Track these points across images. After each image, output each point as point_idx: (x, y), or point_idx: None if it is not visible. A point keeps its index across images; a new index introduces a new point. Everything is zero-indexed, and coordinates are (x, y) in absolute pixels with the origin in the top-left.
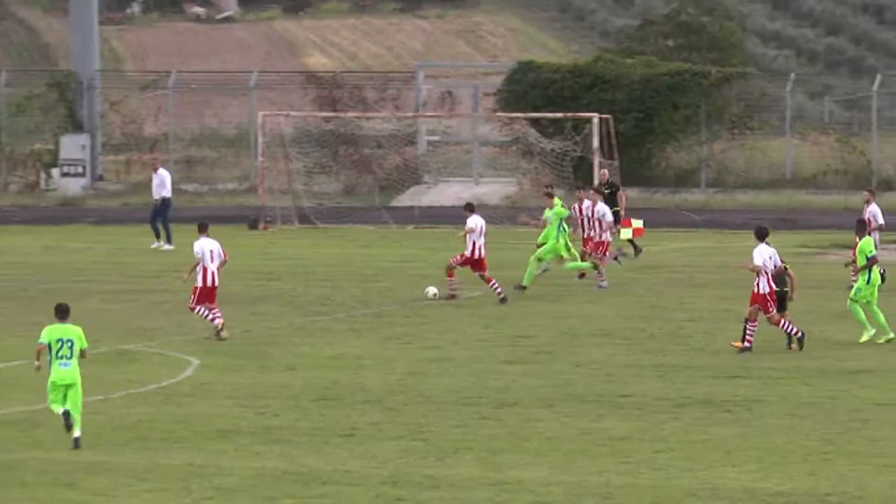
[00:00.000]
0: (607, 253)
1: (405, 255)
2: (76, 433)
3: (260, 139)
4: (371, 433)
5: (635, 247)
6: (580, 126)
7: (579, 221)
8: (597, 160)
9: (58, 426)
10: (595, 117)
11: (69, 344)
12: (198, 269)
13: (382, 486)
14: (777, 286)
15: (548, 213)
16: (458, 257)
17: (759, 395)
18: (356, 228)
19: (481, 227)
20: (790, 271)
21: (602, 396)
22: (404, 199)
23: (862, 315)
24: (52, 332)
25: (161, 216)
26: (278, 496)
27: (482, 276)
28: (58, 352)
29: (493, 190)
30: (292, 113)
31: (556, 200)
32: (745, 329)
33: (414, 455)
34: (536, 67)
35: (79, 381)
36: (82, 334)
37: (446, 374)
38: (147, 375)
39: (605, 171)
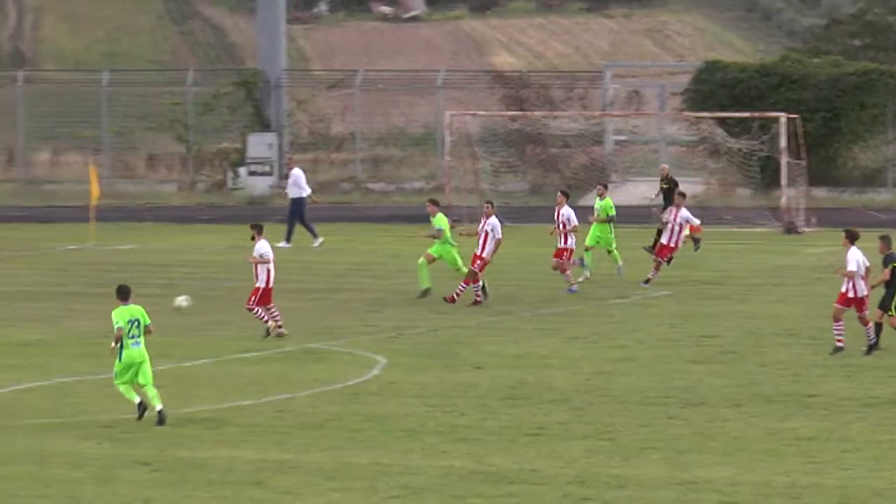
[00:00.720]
0: (571, 259)
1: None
2: (158, 406)
3: (447, 138)
4: (558, 432)
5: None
6: (767, 126)
7: (671, 227)
8: (784, 160)
9: (242, 424)
10: (783, 117)
11: (137, 323)
12: (261, 269)
13: (569, 485)
14: None
15: (598, 205)
16: (479, 262)
17: None
18: (543, 228)
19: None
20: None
21: (788, 396)
22: (591, 199)
23: None
24: (122, 314)
25: (298, 214)
26: (465, 495)
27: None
28: (128, 332)
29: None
30: (479, 112)
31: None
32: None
33: (601, 454)
34: (723, 67)
35: (148, 356)
36: (145, 312)
37: (632, 374)
38: (334, 374)
39: (665, 165)
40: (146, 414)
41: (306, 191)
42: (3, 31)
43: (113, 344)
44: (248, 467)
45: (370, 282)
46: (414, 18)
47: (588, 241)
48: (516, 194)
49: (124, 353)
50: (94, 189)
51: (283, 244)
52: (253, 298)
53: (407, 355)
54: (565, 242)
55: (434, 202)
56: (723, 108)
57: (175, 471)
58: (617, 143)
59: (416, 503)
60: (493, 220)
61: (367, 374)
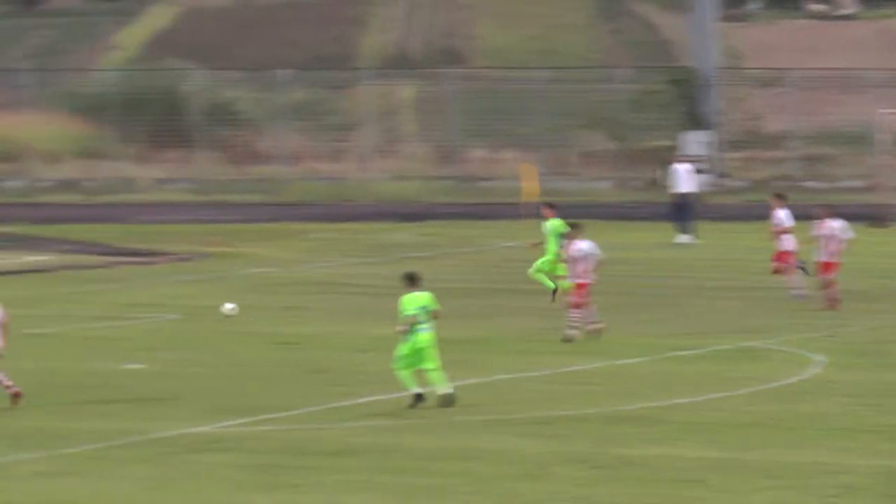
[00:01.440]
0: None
1: None
2: (446, 389)
3: (880, 137)
4: None
5: None
6: None
7: None
8: None
9: (678, 422)
10: None
11: (425, 309)
12: (580, 266)
13: None
14: None
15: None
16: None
17: None
18: None
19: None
20: None
21: None
22: None
23: None
24: (411, 301)
25: (680, 211)
26: None
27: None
28: (417, 318)
29: None
30: None
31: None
32: None
33: None
34: None
35: (435, 341)
36: (433, 298)
37: None
38: (769, 373)
39: None
40: (418, 402)
41: (683, 188)
42: (436, 29)
43: (399, 327)
44: (683, 465)
45: (805, 280)
46: (846, 17)
47: None
48: None
49: (413, 337)
50: (531, 186)
51: (685, 238)
52: (581, 295)
53: (843, 354)
54: (783, 246)
55: (550, 205)
56: None
57: (611, 468)
58: None
59: (855, 502)
60: (834, 223)
61: (804, 373)
